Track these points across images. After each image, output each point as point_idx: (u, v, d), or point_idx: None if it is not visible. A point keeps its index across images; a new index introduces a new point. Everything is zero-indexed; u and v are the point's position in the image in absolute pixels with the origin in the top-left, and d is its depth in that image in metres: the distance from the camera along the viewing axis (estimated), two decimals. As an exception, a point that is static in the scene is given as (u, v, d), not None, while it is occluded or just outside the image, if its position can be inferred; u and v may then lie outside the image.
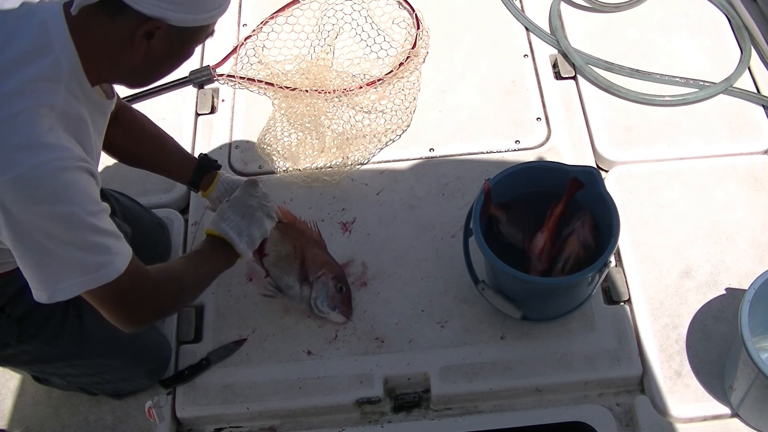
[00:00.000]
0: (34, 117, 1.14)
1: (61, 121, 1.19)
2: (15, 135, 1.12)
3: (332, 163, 2.13)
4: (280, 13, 2.46)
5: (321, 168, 2.12)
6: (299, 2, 2.48)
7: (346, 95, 2.22)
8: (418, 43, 2.34)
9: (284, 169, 2.12)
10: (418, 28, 2.37)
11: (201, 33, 1.26)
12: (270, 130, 2.20)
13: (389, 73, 2.27)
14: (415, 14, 2.41)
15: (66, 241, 1.18)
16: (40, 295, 1.23)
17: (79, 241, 1.19)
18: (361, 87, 2.24)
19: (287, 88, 2.26)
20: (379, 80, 2.25)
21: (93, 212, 1.21)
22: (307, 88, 2.24)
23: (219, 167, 1.79)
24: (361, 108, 2.21)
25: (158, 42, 1.21)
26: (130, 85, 1.37)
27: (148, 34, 1.19)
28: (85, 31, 1.19)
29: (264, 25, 2.45)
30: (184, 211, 2.11)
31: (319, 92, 2.22)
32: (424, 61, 2.34)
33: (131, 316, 1.36)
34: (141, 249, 1.42)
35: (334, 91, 2.22)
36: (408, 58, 2.30)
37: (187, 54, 1.31)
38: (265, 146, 2.17)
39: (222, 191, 1.75)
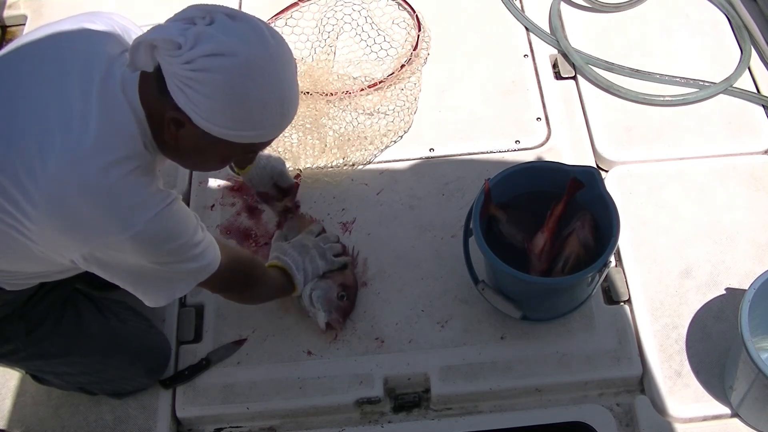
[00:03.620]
0: (132, 178, 1.23)
1: (150, 168, 1.29)
2: (124, 198, 1.22)
3: (332, 164, 2.13)
4: (280, 15, 2.45)
5: (321, 168, 2.12)
6: (299, 4, 2.48)
7: (347, 97, 2.22)
8: (420, 44, 2.34)
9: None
10: (420, 29, 2.37)
11: (235, 148, 1.25)
12: (270, 131, 2.20)
13: (391, 75, 2.26)
14: (416, 15, 2.41)
15: (179, 261, 1.34)
16: (156, 304, 1.40)
17: (189, 257, 1.35)
18: (362, 89, 2.23)
19: (287, 88, 2.25)
20: (380, 82, 2.24)
21: (195, 230, 1.34)
22: (309, 90, 2.23)
23: None
24: (363, 110, 2.21)
25: (186, 134, 1.23)
26: (172, 159, 1.38)
27: (175, 122, 1.21)
28: (145, 95, 1.24)
29: (264, 26, 2.45)
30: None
31: (321, 95, 2.22)
32: (425, 62, 2.34)
33: (241, 291, 1.62)
34: None
35: (335, 93, 2.22)
36: (410, 60, 2.30)
37: (217, 160, 1.32)
38: (265, 146, 2.17)
39: (257, 171, 1.85)
